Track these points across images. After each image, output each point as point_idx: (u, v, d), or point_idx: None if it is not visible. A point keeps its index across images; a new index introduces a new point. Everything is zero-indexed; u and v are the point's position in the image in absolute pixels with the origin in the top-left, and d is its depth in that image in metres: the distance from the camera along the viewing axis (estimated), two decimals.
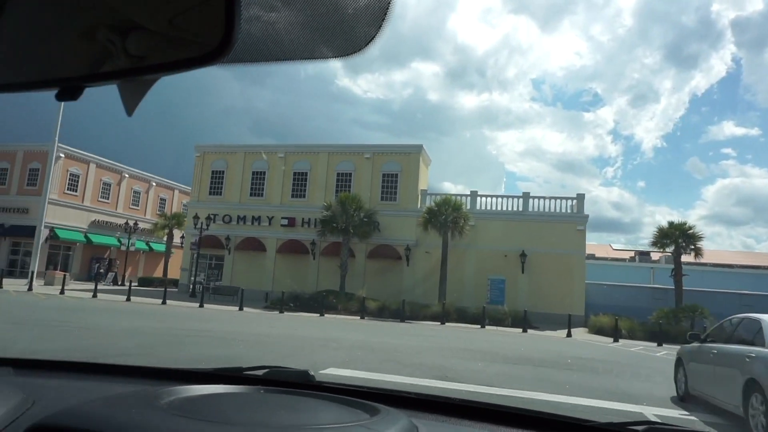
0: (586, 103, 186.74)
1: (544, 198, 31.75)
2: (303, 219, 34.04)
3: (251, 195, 35.70)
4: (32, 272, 29.15)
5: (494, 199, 32.69)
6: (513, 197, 32.32)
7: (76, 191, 41.95)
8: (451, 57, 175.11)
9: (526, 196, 31.88)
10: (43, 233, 39.36)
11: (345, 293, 28.44)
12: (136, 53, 0.64)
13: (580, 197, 31.03)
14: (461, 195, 31.13)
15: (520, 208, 31.70)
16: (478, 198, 32.67)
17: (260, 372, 1.73)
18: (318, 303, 25.59)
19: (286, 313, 24.36)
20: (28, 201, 38.92)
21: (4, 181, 41.67)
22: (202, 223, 32.02)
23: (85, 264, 43.19)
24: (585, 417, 1.43)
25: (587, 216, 30.67)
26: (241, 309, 24.06)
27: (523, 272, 30.35)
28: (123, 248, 42.75)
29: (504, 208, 32.14)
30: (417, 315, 26.00)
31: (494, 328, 24.45)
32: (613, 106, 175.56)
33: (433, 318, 25.66)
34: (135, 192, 48.37)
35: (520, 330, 23.50)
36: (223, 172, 36.54)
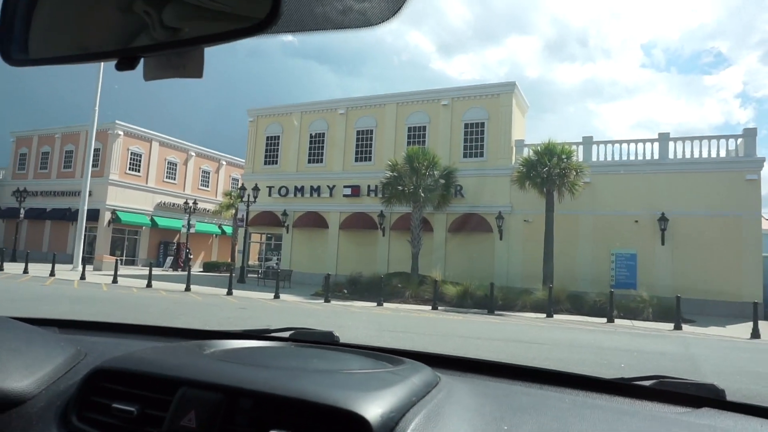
0: (707, 65, 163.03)
1: (692, 139, 22.81)
2: (369, 187, 27.92)
3: (309, 162, 30.20)
4: (81, 258, 25.98)
5: (617, 146, 24.25)
6: (644, 141, 23.67)
7: (138, 171, 39.25)
8: (549, 29, 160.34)
9: (663, 138, 23.10)
10: (105, 216, 37.12)
11: (417, 275, 21.97)
12: (188, 24, 0.69)
13: (750, 133, 21.75)
14: (571, 143, 23.05)
15: (656, 156, 23.08)
16: (594, 146, 24.45)
17: (286, 333, 1.76)
18: (377, 288, 19.42)
19: (333, 302, 18.42)
20: (91, 183, 36.53)
21: (70, 164, 40.02)
22: (248, 195, 27.04)
23: (153, 248, 40.61)
24: None
25: (763, 159, 21.37)
26: (276, 297, 18.51)
27: (663, 243, 21.88)
28: (192, 231, 39.51)
29: (632, 158, 23.68)
30: (512, 304, 18.91)
31: (627, 322, 16.74)
32: (741, 66, 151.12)
33: (536, 308, 18.44)
34: (204, 171, 45.23)
35: (671, 326, 15.61)
36: (279, 137, 31.40)
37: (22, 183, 39.35)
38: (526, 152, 24.16)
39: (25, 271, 23.46)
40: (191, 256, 42.36)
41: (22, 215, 35.10)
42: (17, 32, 0.77)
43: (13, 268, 24.72)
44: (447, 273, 22.23)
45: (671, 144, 22.88)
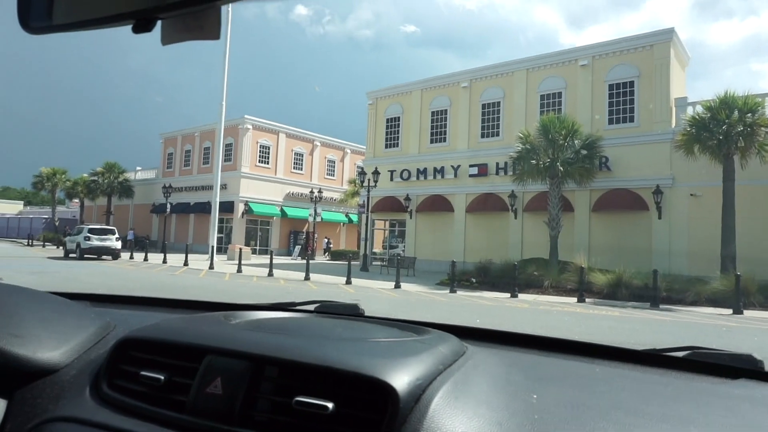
0: None
1: None
2: (497, 165, 25.24)
3: (432, 142, 28.23)
4: (211, 248, 26.68)
5: None
6: None
7: (267, 163, 40.36)
8: None
9: None
10: (239, 208, 38.67)
11: (557, 262, 19.03)
12: None
13: None
14: (755, 95, 18.19)
15: None
16: None
17: (311, 306, 1.73)
18: (512, 277, 16.94)
19: (460, 293, 16.33)
20: (225, 177, 38.27)
21: (208, 160, 42.37)
22: (368, 180, 25.84)
23: (283, 238, 41.70)
24: None
25: None
26: (397, 286, 16.91)
27: None
28: (318, 220, 39.79)
29: None
30: (681, 296, 15.30)
31: None
32: None
33: (714, 301, 14.70)
34: (329, 161, 45.48)
35: None
36: (399, 118, 29.83)
37: (169, 180, 42.54)
38: (690, 112, 19.86)
39: (164, 261, 24.63)
40: (331, 245, 43.05)
41: (168, 210, 37.72)
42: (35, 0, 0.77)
43: (158, 258, 26.13)
44: (592, 259, 18.91)
45: None
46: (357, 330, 1.23)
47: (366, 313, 1.66)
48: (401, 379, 0.83)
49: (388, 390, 0.82)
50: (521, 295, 15.90)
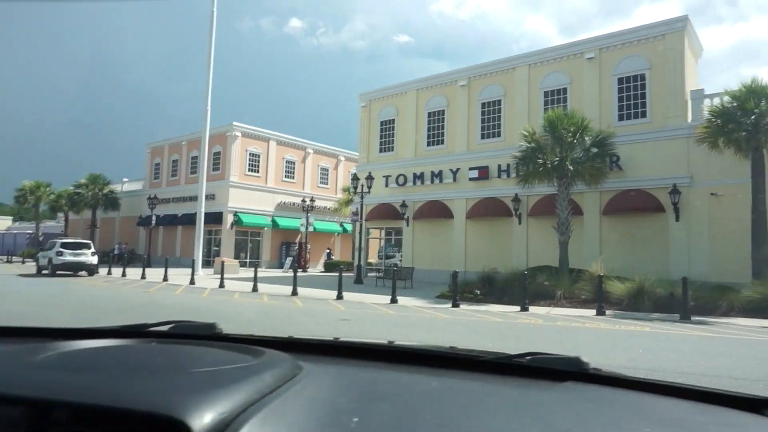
0: None
1: None
2: (499, 167, 23.63)
3: (429, 145, 26.61)
4: (193, 261, 24.86)
5: None
6: None
7: (258, 172, 38.65)
8: None
9: None
10: (228, 219, 36.90)
11: (568, 270, 17.34)
12: None
13: None
14: None
15: None
16: None
17: (165, 327, 1.61)
18: (519, 288, 15.25)
19: (463, 307, 14.59)
20: (213, 186, 36.62)
21: (196, 170, 40.66)
22: (362, 186, 24.16)
23: (275, 249, 39.88)
24: None
25: None
26: (393, 301, 15.17)
27: None
28: (311, 230, 37.95)
29: None
30: (712, 306, 13.61)
31: None
32: None
33: (752, 311, 13.02)
34: (322, 169, 43.82)
35: None
36: (393, 120, 28.24)
37: (155, 191, 40.80)
38: (708, 104, 18.33)
39: (143, 277, 22.85)
40: (333, 256, 41.14)
41: (153, 222, 35.96)
42: None
43: (140, 273, 24.31)
44: (605, 266, 17.30)
45: None
46: (184, 358, 1.15)
47: (269, 332, 1.76)
48: (201, 417, 0.77)
49: (183, 428, 0.75)
50: (532, 308, 14.18)
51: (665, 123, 19.77)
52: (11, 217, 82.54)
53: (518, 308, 14.13)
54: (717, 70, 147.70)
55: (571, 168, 17.52)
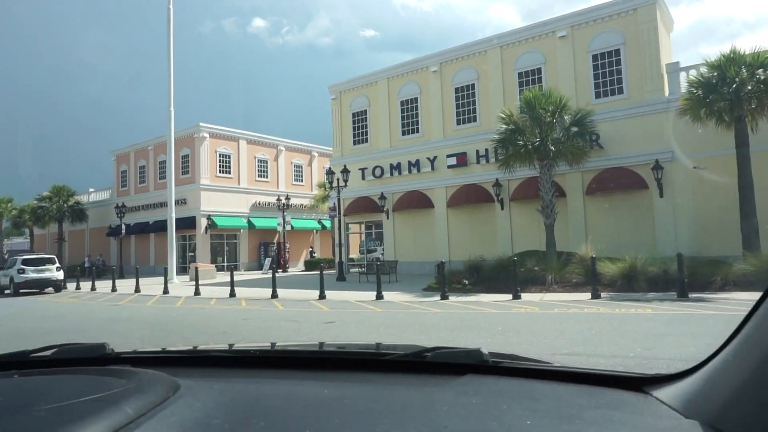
0: None
1: None
2: (477, 152, 23.09)
3: (404, 134, 25.92)
4: (165, 269, 23.57)
5: None
6: None
7: (229, 173, 37.47)
8: None
9: None
10: (202, 223, 35.69)
11: (556, 254, 16.89)
12: None
13: None
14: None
15: None
16: None
17: (49, 352, 1.44)
18: (508, 275, 14.71)
19: (452, 299, 13.98)
20: (183, 191, 35.36)
21: (164, 175, 39.24)
22: (337, 180, 23.36)
23: (253, 251, 38.81)
24: None
25: None
26: (379, 297, 14.49)
27: None
28: (288, 229, 36.93)
29: None
30: (706, 282, 13.24)
31: None
32: None
33: (743, 284, 12.69)
34: (296, 166, 42.82)
35: None
36: (365, 111, 27.46)
37: (125, 199, 39.29)
38: (684, 77, 18.03)
39: (113, 289, 21.70)
40: (315, 254, 40.18)
41: (123, 231, 34.59)
42: None
43: (109, 286, 23.12)
44: (591, 247, 16.87)
45: None
46: (40, 393, 1.04)
47: (233, 344, 1.53)
48: None
49: None
50: (524, 295, 13.65)
51: (643, 98, 19.44)
52: None
53: (510, 296, 13.58)
54: (677, 50, 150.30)
55: (552, 148, 17.02)
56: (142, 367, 1.21)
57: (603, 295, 12.97)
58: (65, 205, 41.77)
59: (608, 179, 19.48)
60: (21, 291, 21.76)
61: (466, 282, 15.83)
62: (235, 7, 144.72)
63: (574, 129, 17.54)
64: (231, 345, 1.62)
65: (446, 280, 14.80)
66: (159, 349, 1.60)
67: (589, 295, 12.97)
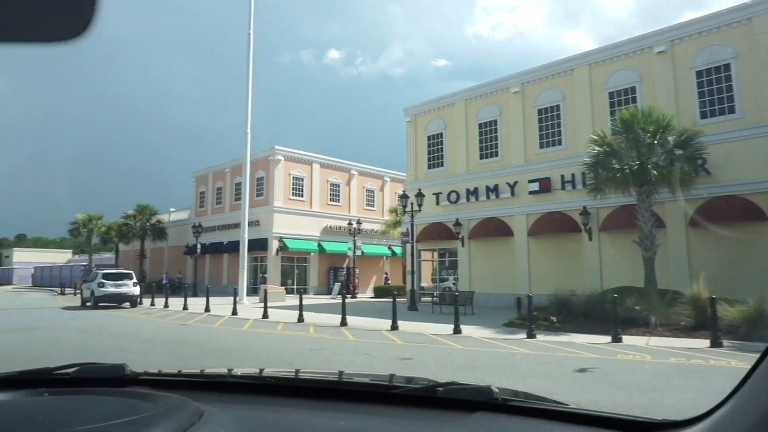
0: None
1: None
2: (563, 177, 21.43)
3: (482, 158, 24.68)
4: (235, 290, 23.39)
5: None
6: None
7: (302, 196, 37.61)
8: None
9: None
10: (273, 245, 35.83)
11: (658, 291, 14.89)
12: None
13: None
14: None
15: None
16: None
17: (71, 370, 1.45)
18: (605, 313, 12.99)
19: (540, 338, 12.44)
20: (257, 213, 35.78)
21: (239, 197, 40.02)
22: (411, 204, 22.41)
23: (323, 275, 38.47)
24: None
25: None
26: (457, 331, 13.19)
27: None
28: (359, 254, 36.30)
29: None
30: None
31: None
32: None
33: None
34: (368, 191, 42.45)
35: None
36: (442, 134, 26.51)
37: (200, 220, 40.38)
38: None
39: (185, 307, 21.72)
40: (389, 281, 39.42)
41: (198, 251, 35.33)
42: None
43: (182, 303, 23.25)
44: (697, 285, 14.71)
45: None
46: (66, 414, 1.02)
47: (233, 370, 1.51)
48: None
49: None
50: (625, 338, 11.88)
51: (761, 117, 17.18)
52: (71, 250, 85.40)
53: (608, 338, 11.87)
54: None
55: (654, 173, 15.20)
56: (161, 388, 1.23)
57: (725, 343, 10.99)
58: (147, 224, 43.67)
59: (717, 209, 17.23)
60: (100, 304, 22.27)
61: (554, 319, 14.19)
62: (312, 39, 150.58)
63: (679, 152, 15.64)
64: (261, 370, 1.61)
65: (530, 317, 13.28)
66: (176, 371, 1.58)
67: (706, 342, 11.03)
